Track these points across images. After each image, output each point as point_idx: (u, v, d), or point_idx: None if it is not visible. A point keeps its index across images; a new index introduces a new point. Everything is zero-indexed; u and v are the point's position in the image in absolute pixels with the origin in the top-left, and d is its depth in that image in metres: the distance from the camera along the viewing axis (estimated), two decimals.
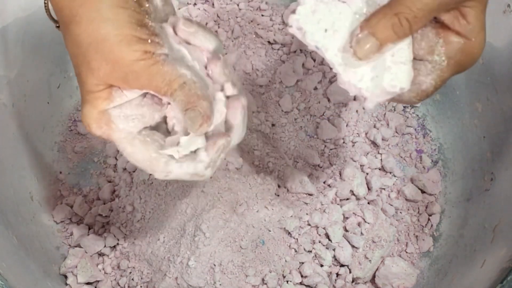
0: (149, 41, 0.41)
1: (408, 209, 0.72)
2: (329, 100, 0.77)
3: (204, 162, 0.44)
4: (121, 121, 0.43)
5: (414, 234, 0.70)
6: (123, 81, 0.42)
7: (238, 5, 0.85)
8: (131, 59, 0.40)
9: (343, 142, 0.75)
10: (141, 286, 0.65)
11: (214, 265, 0.62)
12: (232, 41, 0.82)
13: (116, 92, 0.43)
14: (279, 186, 0.70)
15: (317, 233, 0.67)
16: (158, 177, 0.44)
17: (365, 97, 0.44)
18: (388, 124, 0.77)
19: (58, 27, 0.46)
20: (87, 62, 0.41)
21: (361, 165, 0.73)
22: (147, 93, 0.44)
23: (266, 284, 0.63)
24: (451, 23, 0.43)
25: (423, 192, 0.73)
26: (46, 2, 0.47)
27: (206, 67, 0.46)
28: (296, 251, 0.66)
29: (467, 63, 0.44)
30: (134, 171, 0.71)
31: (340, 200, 0.70)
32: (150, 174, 0.67)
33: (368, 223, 0.68)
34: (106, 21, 0.40)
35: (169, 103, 0.45)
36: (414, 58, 0.44)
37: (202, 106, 0.42)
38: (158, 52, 0.41)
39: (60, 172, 0.73)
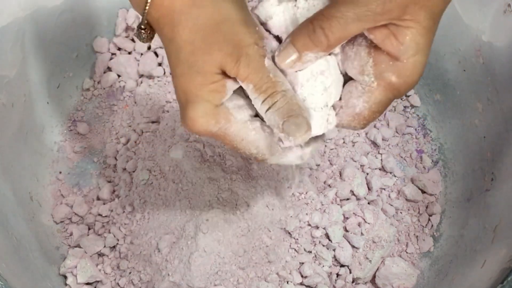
0: (259, 27, 0.41)
1: (409, 209, 0.72)
2: None
3: (309, 148, 0.44)
4: (237, 112, 0.42)
5: (414, 234, 0.70)
6: (235, 65, 0.40)
7: None
8: (249, 41, 0.39)
9: (343, 142, 0.75)
10: (140, 287, 0.64)
11: (214, 265, 0.62)
12: None
13: (229, 83, 0.41)
14: (279, 187, 0.70)
15: (317, 233, 0.67)
16: (271, 161, 0.44)
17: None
18: (388, 124, 0.77)
19: (143, 39, 0.43)
20: (208, 44, 0.39)
21: (361, 165, 0.73)
22: None
23: (266, 284, 0.63)
24: (381, 42, 0.40)
25: (423, 192, 0.73)
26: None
27: None
28: (296, 251, 0.66)
29: (401, 86, 0.41)
30: (134, 171, 0.71)
31: (340, 200, 0.70)
32: (150, 174, 0.68)
33: (368, 223, 0.68)
34: (227, 2, 0.40)
35: None
36: (350, 78, 0.43)
37: (303, 117, 0.41)
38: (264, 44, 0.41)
39: (60, 172, 0.73)
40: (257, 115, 0.44)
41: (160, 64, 0.80)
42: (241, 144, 0.43)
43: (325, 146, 0.74)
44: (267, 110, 0.41)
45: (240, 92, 0.43)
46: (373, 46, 0.41)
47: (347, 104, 0.43)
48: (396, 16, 0.38)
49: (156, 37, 0.43)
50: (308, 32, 0.40)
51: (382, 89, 0.41)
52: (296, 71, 0.42)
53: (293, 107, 0.41)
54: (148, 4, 0.40)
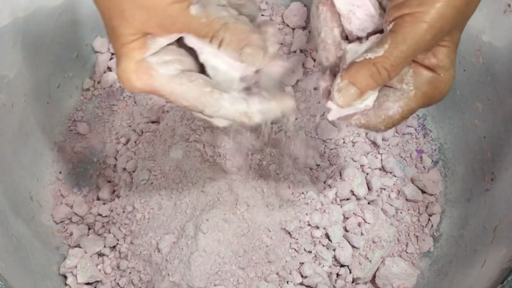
0: None
1: (409, 209, 0.72)
2: None
3: (256, 105, 0.45)
4: (160, 66, 0.43)
5: (414, 234, 0.70)
6: (160, 27, 0.41)
7: None
8: (166, 3, 0.40)
9: (343, 142, 0.75)
10: (140, 287, 0.64)
11: (214, 265, 0.62)
12: None
13: (151, 39, 0.42)
14: (279, 187, 0.70)
15: (317, 233, 0.67)
16: (208, 112, 0.44)
17: (330, 108, 0.45)
18: None
19: None
20: (121, 12, 0.40)
21: (361, 165, 0.73)
22: (181, 42, 0.43)
23: (266, 284, 0.63)
24: (421, 60, 0.44)
25: (423, 192, 0.73)
26: None
27: None
28: (296, 251, 0.66)
29: (435, 96, 0.45)
30: (134, 171, 0.71)
31: (340, 200, 0.70)
32: (150, 174, 0.68)
33: (368, 223, 0.68)
34: None
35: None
36: (385, 85, 0.45)
37: (255, 40, 0.42)
38: None
39: (60, 172, 0.73)
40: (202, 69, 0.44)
41: None
42: (171, 98, 0.43)
43: (325, 146, 0.74)
44: (219, 48, 0.42)
45: (176, 47, 0.43)
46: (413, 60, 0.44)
47: (381, 106, 0.45)
48: (441, 40, 0.43)
49: None
50: (371, 73, 0.42)
51: (418, 98, 0.45)
52: None
53: (240, 36, 0.42)
54: None
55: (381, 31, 0.46)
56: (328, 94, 0.46)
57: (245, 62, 0.43)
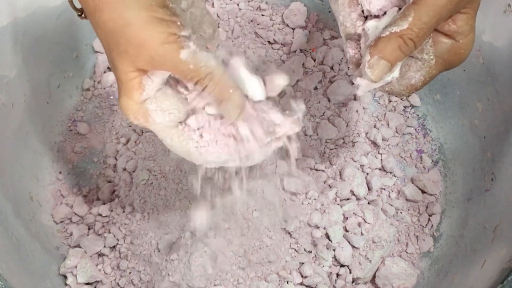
0: (172, 22, 0.42)
1: (409, 209, 0.72)
2: (329, 100, 0.77)
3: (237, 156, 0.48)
4: (158, 115, 0.45)
5: (414, 234, 0.70)
6: (150, 64, 0.42)
7: (238, 5, 0.85)
8: (157, 42, 0.41)
9: (343, 142, 0.75)
10: (140, 287, 0.64)
11: (214, 265, 0.62)
12: (232, 41, 0.82)
13: (146, 80, 0.43)
14: (279, 187, 0.70)
15: (317, 233, 0.67)
16: (198, 163, 0.48)
17: (359, 84, 0.47)
18: (388, 124, 0.77)
19: (80, 15, 0.48)
20: (116, 46, 0.42)
21: (361, 165, 0.73)
22: (170, 79, 0.45)
23: (266, 284, 0.63)
24: (441, 27, 0.45)
25: (423, 192, 0.73)
26: None
27: None
28: (296, 251, 0.66)
29: (455, 62, 0.47)
30: (134, 171, 0.71)
31: (340, 200, 0.70)
32: (150, 174, 0.68)
33: (369, 223, 0.68)
34: (128, 5, 0.41)
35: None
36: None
37: (235, 97, 0.44)
38: (182, 34, 0.42)
39: (60, 172, 0.73)
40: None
41: None
42: (164, 143, 0.46)
43: (325, 146, 0.74)
44: (202, 91, 0.44)
45: (174, 93, 0.45)
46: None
47: (404, 76, 0.47)
48: (462, 7, 0.44)
49: None
50: (399, 45, 0.44)
51: (439, 65, 0.47)
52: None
53: (222, 89, 0.44)
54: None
55: (397, 6, 0.47)
56: (356, 63, 0.49)
57: (223, 112, 0.45)
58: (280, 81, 0.49)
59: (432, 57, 0.46)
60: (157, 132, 0.46)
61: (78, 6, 0.47)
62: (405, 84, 0.48)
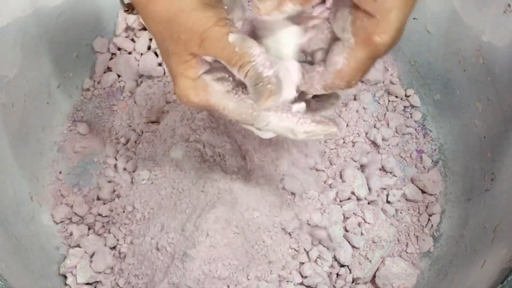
0: (219, 7, 0.43)
1: (409, 209, 0.72)
2: None
3: (302, 121, 0.48)
4: (216, 83, 0.46)
5: (414, 234, 0.70)
6: (200, 47, 0.43)
7: None
8: (206, 26, 0.43)
9: (343, 142, 0.75)
10: (140, 287, 0.64)
11: (214, 265, 0.62)
12: None
13: (198, 61, 0.45)
14: (279, 187, 0.70)
15: (317, 233, 0.67)
16: (257, 126, 0.47)
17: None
18: (388, 124, 0.77)
19: (126, 10, 0.50)
20: (170, 34, 0.44)
21: (361, 165, 0.73)
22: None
23: (266, 284, 0.63)
24: (362, 3, 0.41)
25: (423, 192, 0.73)
26: None
27: None
28: (296, 251, 0.66)
29: (377, 43, 0.41)
30: (134, 171, 0.71)
31: (340, 200, 0.70)
32: (150, 174, 0.68)
33: (368, 223, 0.68)
34: None
35: None
36: (336, 39, 0.45)
37: (272, 83, 0.44)
38: (229, 17, 0.44)
39: (60, 172, 0.73)
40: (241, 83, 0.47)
41: (160, 64, 0.80)
42: (224, 112, 0.47)
43: (325, 146, 0.74)
44: (244, 78, 0.44)
45: (223, 65, 0.46)
46: (354, 5, 0.42)
47: (330, 62, 0.45)
48: None
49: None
50: None
51: (359, 45, 0.42)
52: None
53: (261, 75, 0.44)
54: None
55: None
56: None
57: (253, 95, 0.45)
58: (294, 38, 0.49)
59: (350, 35, 0.43)
60: (218, 102, 0.46)
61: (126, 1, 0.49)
62: (332, 71, 0.45)
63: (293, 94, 0.49)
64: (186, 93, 0.46)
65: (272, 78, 0.44)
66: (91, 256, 0.67)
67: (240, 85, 0.47)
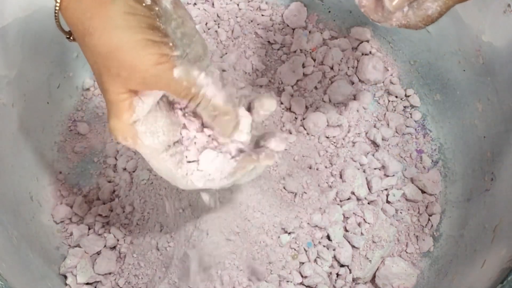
0: (163, 43, 0.42)
1: (408, 209, 0.72)
2: (329, 100, 0.77)
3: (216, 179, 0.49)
4: (147, 137, 0.45)
5: (414, 234, 0.70)
6: (142, 85, 0.42)
7: (238, 5, 0.85)
8: (149, 64, 0.41)
9: (343, 142, 0.74)
10: (140, 287, 0.64)
11: (214, 265, 0.62)
12: (232, 41, 0.82)
13: (137, 102, 0.43)
14: (279, 187, 0.70)
15: (317, 233, 0.67)
16: (182, 187, 0.50)
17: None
18: (388, 124, 0.77)
19: (68, 38, 0.48)
20: (107, 70, 0.42)
21: (361, 165, 0.73)
22: (162, 99, 0.46)
23: (266, 284, 0.63)
24: None
25: (423, 192, 0.73)
26: (56, 14, 0.46)
27: None
28: (296, 251, 0.66)
29: None
30: (134, 171, 0.71)
31: (340, 200, 0.70)
32: (150, 174, 0.68)
33: (368, 223, 0.68)
34: (117, 28, 0.40)
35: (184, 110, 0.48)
36: None
37: (229, 112, 0.45)
38: (174, 54, 0.42)
39: (60, 172, 0.73)
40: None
41: None
42: (150, 165, 0.48)
43: (325, 146, 0.74)
44: (197, 108, 0.45)
45: (164, 114, 0.46)
46: None
47: (420, 7, 0.47)
48: None
49: None
50: None
51: None
52: None
53: (215, 106, 0.45)
54: (56, 20, 0.46)
55: None
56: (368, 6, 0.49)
57: (217, 127, 0.46)
58: (269, 106, 0.49)
59: None
60: (145, 155, 0.47)
61: (66, 28, 0.47)
62: (422, 15, 0.47)
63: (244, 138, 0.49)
64: (115, 134, 0.45)
65: (229, 107, 0.45)
66: (92, 256, 0.67)
67: (176, 143, 0.47)
